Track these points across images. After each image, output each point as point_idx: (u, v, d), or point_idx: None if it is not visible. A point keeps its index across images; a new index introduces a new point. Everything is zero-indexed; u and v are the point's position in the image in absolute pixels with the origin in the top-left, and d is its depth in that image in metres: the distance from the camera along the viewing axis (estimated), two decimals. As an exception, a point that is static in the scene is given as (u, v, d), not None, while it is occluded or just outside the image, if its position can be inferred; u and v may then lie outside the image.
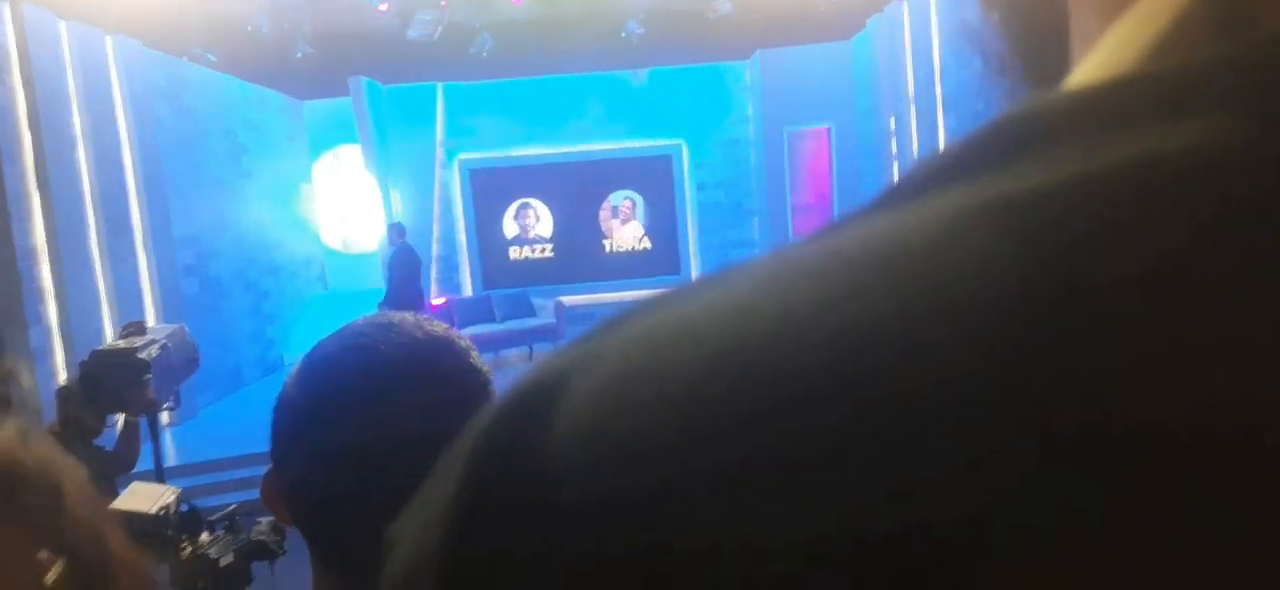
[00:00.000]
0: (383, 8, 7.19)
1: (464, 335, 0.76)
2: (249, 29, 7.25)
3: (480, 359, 0.74)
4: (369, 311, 0.81)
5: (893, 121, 8.66)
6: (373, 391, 0.68)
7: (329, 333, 0.74)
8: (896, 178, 0.16)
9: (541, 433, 0.14)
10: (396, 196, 9.81)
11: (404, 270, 8.39)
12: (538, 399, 0.14)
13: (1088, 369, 0.11)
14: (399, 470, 0.66)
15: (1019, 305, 0.12)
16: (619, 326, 0.15)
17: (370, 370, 0.68)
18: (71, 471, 0.41)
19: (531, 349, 9.09)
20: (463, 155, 10.66)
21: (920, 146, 8.04)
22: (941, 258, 0.12)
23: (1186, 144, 0.13)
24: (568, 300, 9.70)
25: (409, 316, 0.73)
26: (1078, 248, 0.12)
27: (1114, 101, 0.14)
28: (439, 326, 0.73)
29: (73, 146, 6.35)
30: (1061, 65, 0.21)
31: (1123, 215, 0.12)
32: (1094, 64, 0.17)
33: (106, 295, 6.57)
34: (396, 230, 8.68)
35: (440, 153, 10.60)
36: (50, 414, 3.27)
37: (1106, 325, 0.11)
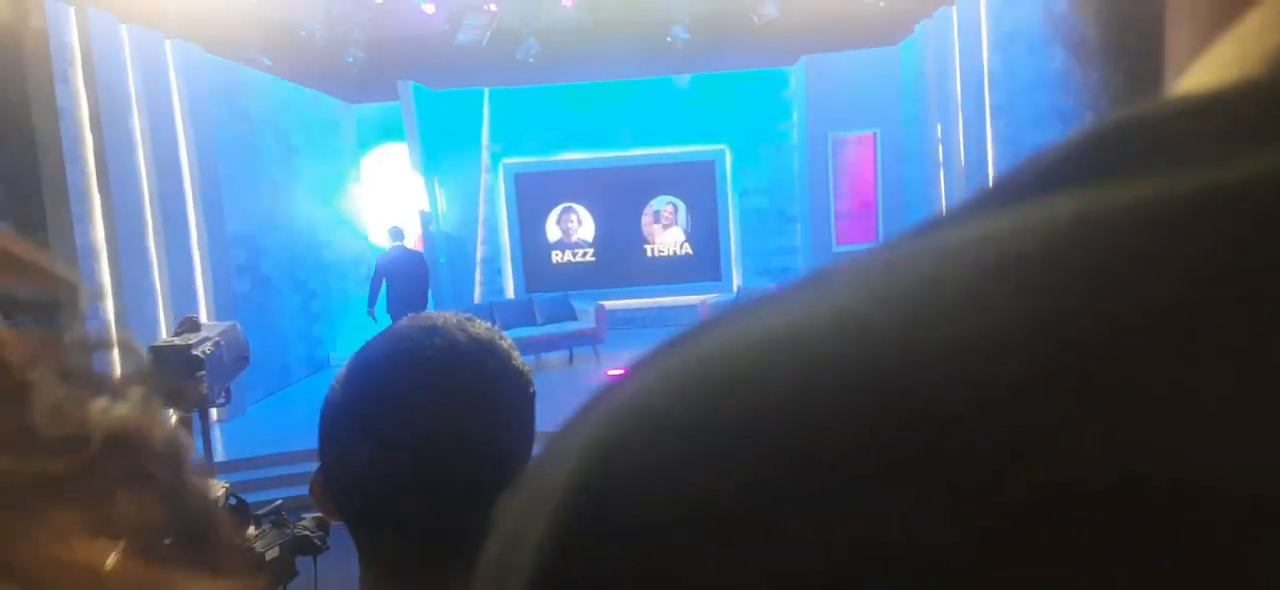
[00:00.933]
0: (429, 10, 7.29)
1: (506, 335, 0.76)
2: (303, 34, 7.41)
3: (522, 360, 0.75)
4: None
5: (939, 129, 8.53)
6: (417, 393, 0.69)
7: (375, 333, 0.76)
8: (991, 176, 0.16)
9: (640, 466, 0.13)
10: (442, 199, 9.94)
11: (402, 278, 8.02)
12: (637, 426, 0.14)
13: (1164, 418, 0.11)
14: (442, 470, 0.68)
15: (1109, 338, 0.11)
16: (693, 343, 0.14)
17: (415, 372, 0.69)
18: (190, 445, 0.44)
19: (572, 352, 9.13)
20: (507, 159, 10.76)
21: (967, 155, 7.91)
22: (1058, 273, 0.12)
23: None
24: (609, 304, 9.73)
25: (453, 317, 0.73)
26: (1194, 281, 0.11)
27: (1239, 110, 0.13)
28: (482, 327, 0.74)
29: (132, 147, 6.55)
30: (1153, 62, 0.20)
31: (1249, 237, 0.12)
32: (1210, 68, 0.17)
33: (162, 292, 6.76)
34: (394, 233, 8.30)
35: (485, 156, 10.71)
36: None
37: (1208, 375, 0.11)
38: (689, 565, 0.12)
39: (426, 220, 9.78)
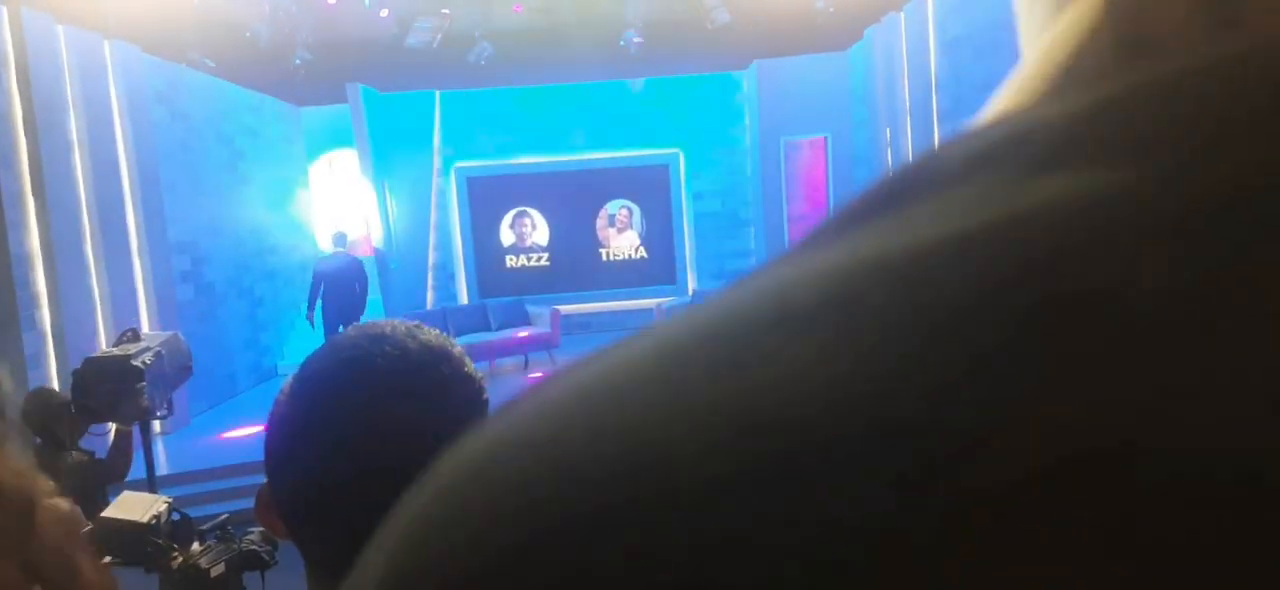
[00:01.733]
0: (383, 14, 7.20)
1: (457, 343, 0.75)
2: (248, 35, 7.26)
3: (474, 367, 0.74)
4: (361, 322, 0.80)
5: (888, 133, 8.68)
6: (365, 405, 0.67)
7: (322, 343, 0.74)
8: (820, 220, 0.15)
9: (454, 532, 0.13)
10: (393, 204, 9.81)
11: (341, 284, 8.14)
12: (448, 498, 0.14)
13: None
14: (393, 483, 0.66)
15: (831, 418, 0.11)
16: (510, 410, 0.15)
17: (363, 383, 0.68)
18: (45, 492, 0.41)
19: (527, 358, 9.08)
20: (459, 163, 10.66)
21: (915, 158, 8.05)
22: (794, 359, 0.12)
23: (1047, 200, 0.12)
24: (564, 309, 9.69)
25: (401, 326, 0.72)
26: (918, 341, 0.11)
27: (1001, 147, 0.14)
28: (432, 335, 0.72)
29: (69, 151, 6.35)
30: None
31: (971, 289, 0.11)
32: (1007, 93, 0.17)
33: (101, 301, 6.55)
34: (337, 238, 8.46)
35: (437, 160, 10.60)
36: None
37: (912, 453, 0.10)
38: None
39: (367, 226, 9.63)
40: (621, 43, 8.19)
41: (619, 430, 0.12)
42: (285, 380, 0.73)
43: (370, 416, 0.67)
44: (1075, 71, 0.15)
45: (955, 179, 0.14)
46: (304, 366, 0.71)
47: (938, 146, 0.15)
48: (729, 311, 0.13)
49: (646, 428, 0.12)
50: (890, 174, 0.15)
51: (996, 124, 0.14)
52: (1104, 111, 0.13)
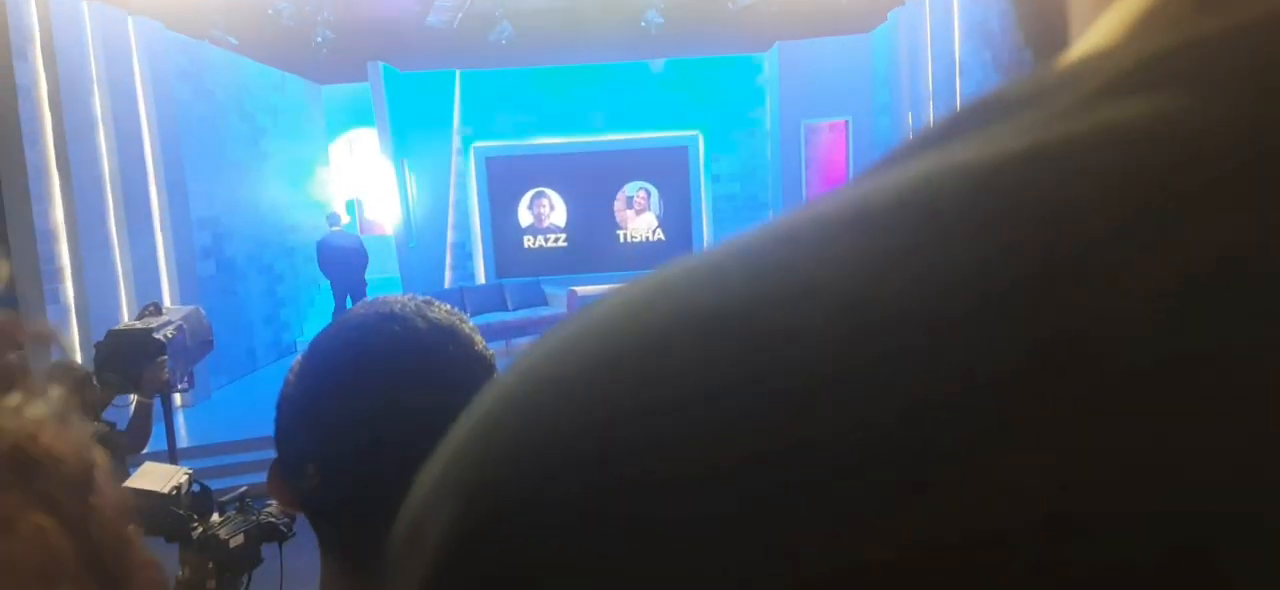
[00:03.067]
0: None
1: (468, 319, 0.74)
2: (270, 12, 7.27)
3: (485, 344, 0.72)
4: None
5: (911, 118, 8.59)
6: (371, 385, 0.66)
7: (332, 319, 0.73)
8: (894, 146, 0.16)
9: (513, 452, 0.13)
10: (412, 183, 9.83)
11: (338, 263, 8.49)
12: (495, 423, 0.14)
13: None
14: (400, 462, 0.65)
15: (919, 315, 0.12)
16: (567, 326, 0.15)
17: (371, 362, 0.67)
18: (103, 463, 0.41)
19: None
20: (479, 143, 10.66)
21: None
22: (877, 248, 0.12)
23: (1140, 117, 0.13)
24: (580, 290, 9.70)
25: (411, 302, 0.71)
26: (1010, 242, 0.12)
27: (1084, 75, 0.14)
28: (442, 311, 0.71)
29: (93, 128, 6.40)
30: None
31: (1068, 194, 0.12)
32: (1082, 43, 0.17)
33: (123, 276, 6.62)
34: (331, 218, 8.83)
35: (457, 140, 10.61)
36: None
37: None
38: (566, 561, 0.12)
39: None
40: (642, 23, 8.13)
41: (701, 317, 0.13)
42: (297, 357, 0.73)
43: (376, 397, 0.66)
44: (1153, 20, 0.16)
45: (1029, 101, 0.14)
46: (313, 344, 0.71)
47: (1018, 77, 0.15)
48: (810, 217, 0.14)
49: (730, 314, 0.12)
50: (964, 104, 0.15)
51: (1073, 60, 0.15)
52: (1179, 48, 0.14)
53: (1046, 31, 0.22)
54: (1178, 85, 0.13)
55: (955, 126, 0.15)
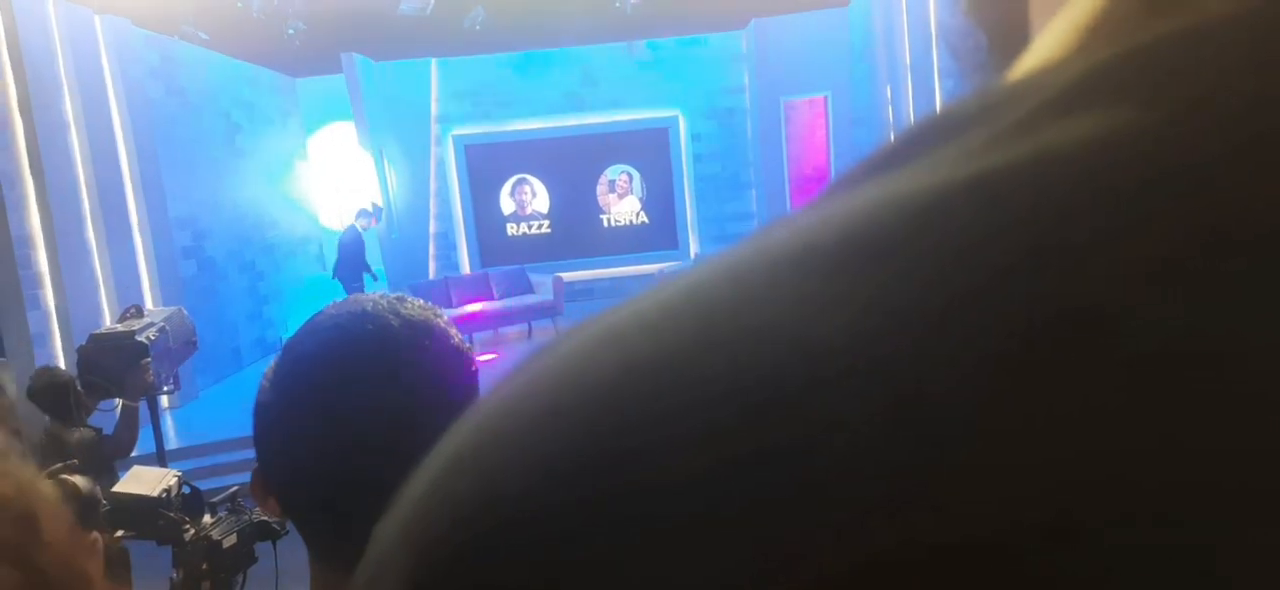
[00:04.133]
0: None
1: (443, 313, 0.73)
2: (239, 6, 7.18)
3: (461, 338, 0.72)
4: (363, 292, 0.79)
5: (888, 90, 8.61)
6: (345, 386, 0.66)
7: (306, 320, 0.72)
8: (842, 170, 0.16)
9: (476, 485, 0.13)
10: (392, 173, 9.77)
11: (346, 255, 9.19)
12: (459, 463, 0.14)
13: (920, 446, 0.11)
14: (381, 461, 0.62)
15: (857, 348, 0.11)
16: (547, 352, 0.15)
17: (347, 364, 0.66)
18: (48, 495, 0.41)
19: (530, 326, 9.09)
20: (457, 130, 10.60)
21: (917, 115, 7.98)
22: (818, 289, 0.12)
23: (1086, 137, 0.12)
24: (566, 276, 9.69)
25: (384, 300, 0.70)
26: (947, 273, 0.12)
27: (1028, 93, 0.14)
28: (416, 307, 0.70)
29: (65, 130, 6.31)
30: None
31: (1004, 218, 0.12)
32: (1029, 56, 0.17)
33: (104, 279, 6.56)
34: (362, 214, 9.43)
35: (435, 129, 10.54)
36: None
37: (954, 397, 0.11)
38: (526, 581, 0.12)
39: (385, 196, 9.68)
40: (617, 4, 8.09)
41: (653, 362, 0.12)
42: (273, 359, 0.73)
43: (350, 400, 0.65)
44: (1102, 27, 0.15)
45: (974, 121, 0.14)
46: (287, 348, 0.70)
47: (962, 96, 0.15)
48: (755, 253, 0.14)
49: (681, 358, 0.12)
50: (912, 125, 0.15)
51: (1022, 74, 0.15)
52: (1126, 59, 0.13)
53: (1011, 41, 0.21)
54: (1120, 100, 0.13)
55: (904, 148, 0.15)
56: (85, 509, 1.82)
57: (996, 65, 0.23)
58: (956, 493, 0.10)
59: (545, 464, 0.12)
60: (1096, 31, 0.15)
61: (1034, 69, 0.15)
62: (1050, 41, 0.16)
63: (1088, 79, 0.13)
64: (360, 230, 9.35)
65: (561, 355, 0.14)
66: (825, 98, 9.91)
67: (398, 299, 0.70)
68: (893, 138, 0.15)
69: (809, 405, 0.11)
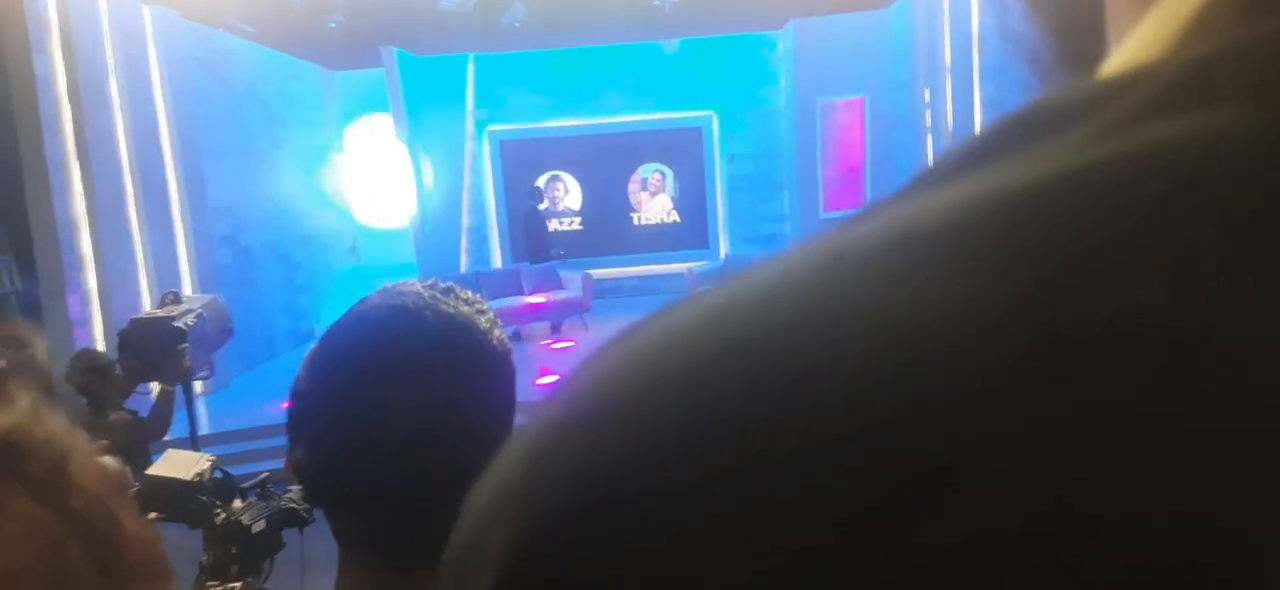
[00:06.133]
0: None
1: (487, 307, 0.72)
2: None
3: (502, 334, 0.71)
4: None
5: (928, 93, 8.50)
6: (382, 379, 0.65)
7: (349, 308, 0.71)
8: (930, 159, 0.16)
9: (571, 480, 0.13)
10: (427, 167, 9.85)
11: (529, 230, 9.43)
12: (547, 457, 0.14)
13: (1017, 433, 0.11)
14: (414, 459, 0.64)
15: (972, 344, 0.11)
16: (621, 342, 0.15)
17: (381, 357, 0.66)
18: (80, 444, 0.42)
19: (560, 322, 9.11)
20: (493, 127, 10.66)
21: (956, 119, 7.89)
22: (922, 272, 0.12)
23: (1193, 134, 0.12)
24: (596, 273, 9.69)
25: (427, 293, 0.69)
26: (1059, 274, 0.12)
27: (1130, 90, 0.14)
28: (454, 304, 0.69)
29: (111, 118, 6.44)
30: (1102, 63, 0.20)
31: (1120, 217, 0.12)
32: (1124, 53, 0.17)
33: (144, 264, 6.68)
34: (534, 193, 9.86)
35: (471, 124, 10.60)
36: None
37: (1056, 388, 0.11)
38: (632, 563, 0.12)
39: (419, 190, 9.74)
40: (656, 2, 8.08)
41: (760, 340, 0.13)
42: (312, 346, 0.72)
43: (384, 393, 0.65)
44: (1200, 26, 0.15)
45: (1074, 117, 0.14)
46: (325, 339, 0.69)
47: (1054, 92, 0.15)
48: (852, 238, 0.14)
49: (786, 336, 0.12)
50: (999, 121, 0.15)
51: (1119, 70, 0.15)
52: (1224, 59, 0.13)
53: (1085, 44, 0.21)
54: (1225, 99, 0.13)
55: (999, 142, 0.14)
56: (119, 490, 1.85)
57: (1072, 69, 0.23)
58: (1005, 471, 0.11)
59: (650, 437, 0.12)
60: (1195, 30, 0.15)
61: (1132, 67, 0.15)
62: (1147, 39, 0.16)
63: (1188, 77, 0.13)
64: (537, 208, 9.62)
65: (659, 333, 0.14)
66: (863, 100, 9.80)
67: (444, 290, 0.69)
68: (984, 132, 0.15)
69: (908, 386, 0.11)
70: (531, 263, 9.35)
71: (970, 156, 0.15)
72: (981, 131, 0.15)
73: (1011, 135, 0.14)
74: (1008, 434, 0.11)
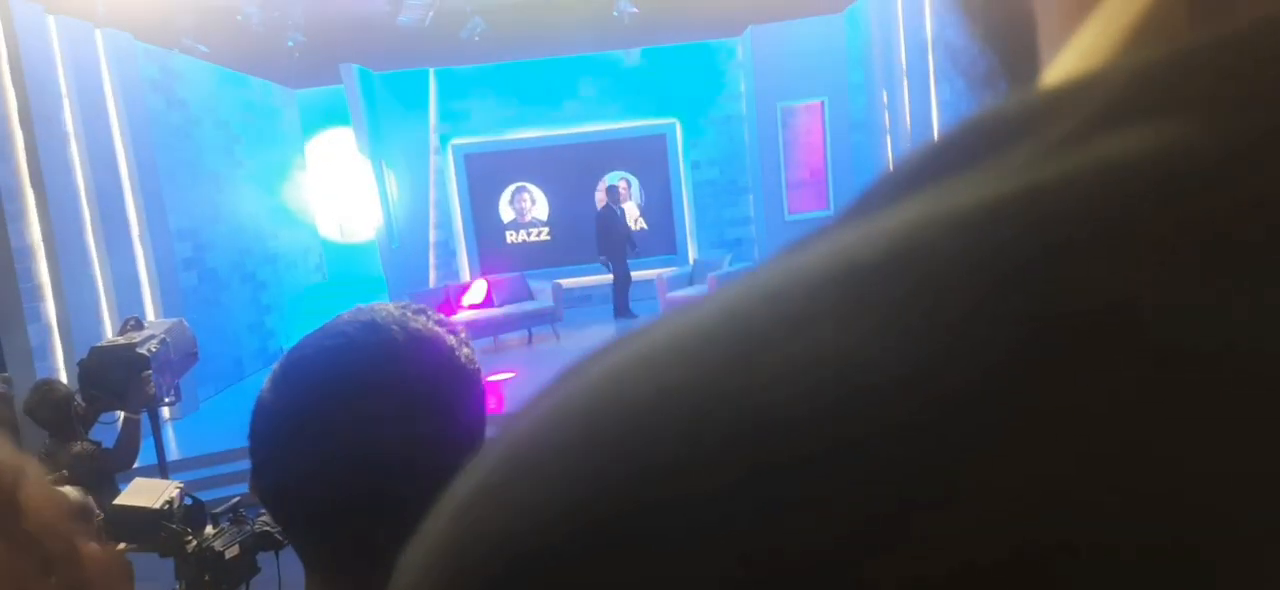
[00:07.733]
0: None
1: (456, 327, 0.72)
2: (239, 19, 7.21)
3: (472, 351, 0.71)
4: (364, 301, 0.76)
5: (885, 95, 8.63)
6: (347, 401, 0.64)
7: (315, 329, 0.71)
8: (890, 160, 0.16)
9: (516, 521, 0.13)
10: (392, 183, 9.79)
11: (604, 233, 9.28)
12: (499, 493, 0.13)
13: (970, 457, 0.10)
14: (375, 481, 0.64)
15: (925, 374, 0.11)
16: (577, 373, 0.14)
17: (346, 378, 0.65)
18: (32, 471, 0.43)
19: (531, 332, 9.10)
20: (456, 140, 10.63)
21: (913, 120, 8.02)
22: (864, 309, 0.12)
23: (1144, 152, 0.12)
24: (566, 283, 9.70)
25: (394, 313, 0.68)
26: (1011, 293, 0.11)
27: (1077, 101, 0.13)
28: (422, 322, 0.69)
29: (65, 142, 6.34)
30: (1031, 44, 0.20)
31: (1069, 235, 0.11)
32: (1067, 60, 0.16)
33: (105, 291, 6.57)
34: (612, 193, 9.64)
35: (434, 138, 10.57)
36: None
37: (1014, 418, 0.11)
38: None
39: (384, 207, 9.67)
40: (615, 12, 8.12)
41: (691, 389, 0.12)
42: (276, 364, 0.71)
43: (349, 415, 0.64)
44: (1144, 32, 0.15)
45: (1018, 133, 0.13)
46: (289, 357, 0.68)
47: (998, 105, 0.14)
48: (793, 272, 0.13)
49: (719, 386, 0.12)
50: (944, 136, 0.14)
51: (1064, 79, 0.14)
52: (1173, 67, 0.13)
53: (1024, 58, 0.21)
54: (1175, 109, 0.12)
55: (940, 161, 0.14)
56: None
57: (1006, 81, 0.23)
58: (979, 504, 0.10)
59: (580, 495, 0.12)
60: (1141, 35, 0.15)
61: (1075, 77, 0.14)
62: (1089, 46, 0.16)
63: (1136, 88, 0.13)
64: (612, 205, 9.51)
65: (592, 381, 0.13)
66: (822, 103, 9.93)
67: (413, 312, 0.69)
68: (924, 149, 0.15)
69: (854, 435, 0.11)
70: (604, 265, 9.33)
71: (915, 174, 0.14)
72: (926, 146, 0.15)
73: (957, 150, 0.14)
74: (958, 472, 0.10)
